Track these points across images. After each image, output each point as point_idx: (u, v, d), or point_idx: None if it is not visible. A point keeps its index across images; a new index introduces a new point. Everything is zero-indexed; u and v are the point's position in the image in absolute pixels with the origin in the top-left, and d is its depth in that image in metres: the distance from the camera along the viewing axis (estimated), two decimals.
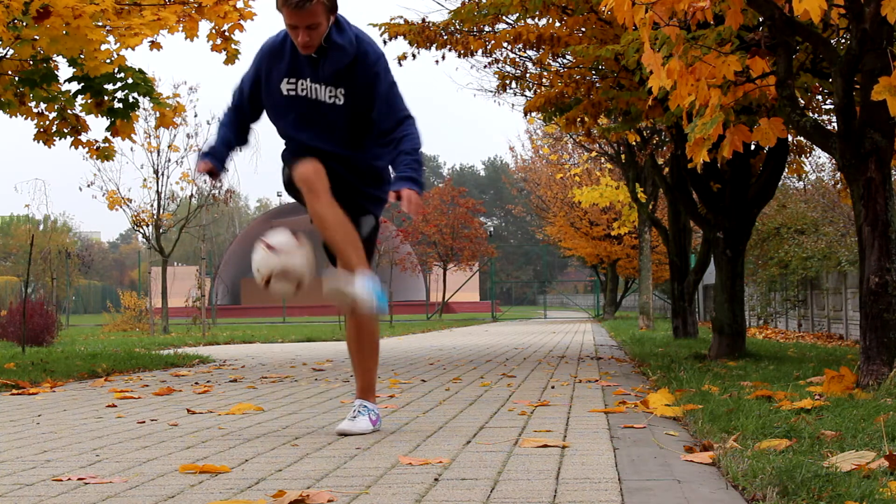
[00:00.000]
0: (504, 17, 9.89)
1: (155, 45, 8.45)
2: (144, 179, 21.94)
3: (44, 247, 28.32)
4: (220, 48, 8.86)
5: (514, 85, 11.16)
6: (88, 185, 22.04)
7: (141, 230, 22.17)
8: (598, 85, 9.00)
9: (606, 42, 8.27)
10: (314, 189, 4.15)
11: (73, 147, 9.78)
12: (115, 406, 5.78)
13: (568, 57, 10.46)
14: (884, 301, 5.46)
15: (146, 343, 15.45)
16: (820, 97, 9.57)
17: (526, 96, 13.95)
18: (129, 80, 9.25)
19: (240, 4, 8.56)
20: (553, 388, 6.46)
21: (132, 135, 9.64)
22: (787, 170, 10.03)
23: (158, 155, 21.88)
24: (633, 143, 15.33)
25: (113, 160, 10.24)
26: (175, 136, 22.45)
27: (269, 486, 3.08)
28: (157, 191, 21.89)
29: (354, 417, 4.30)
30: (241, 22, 8.65)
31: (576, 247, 34.74)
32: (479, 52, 9.87)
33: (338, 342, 15.94)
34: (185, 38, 8.47)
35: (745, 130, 5.40)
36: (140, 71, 9.31)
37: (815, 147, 10.03)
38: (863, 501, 2.64)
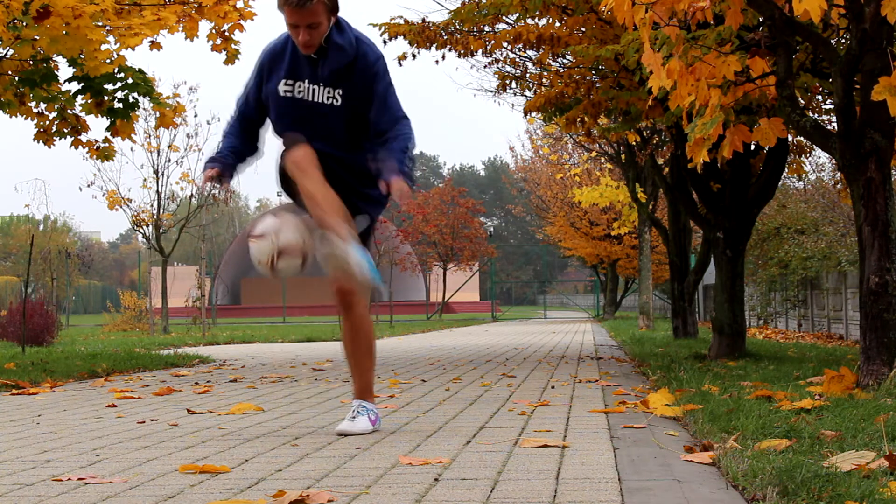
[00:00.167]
0: (504, 17, 9.89)
1: (155, 45, 8.45)
2: (144, 179, 21.96)
3: (44, 247, 28.32)
4: (220, 48, 8.86)
5: (514, 85, 11.16)
6: (88, 185, 22.06)
7: (141, 230, 22.18)
8: (598, 85, 9.00)
9: (606, 42, 8.27)
10: (303, 168, 4.16)
11: (73, 147, 9.78)
12: (115, 406, 5.78)
13: (568, 57, 10.46)
14: (884, 301, 5.46)
15: (146, 343, 15.45)
16: (820, 97, 9.57)
17: (526, 96, 13.95)
18: (129, 80, 9.25)
19: (240, 4, 8.56)
20: (553, 388, 6.46)
21: (132, 135, 9.64)
22: (787, 170, 10.03)
23: (158, 155, 21.90)
24: (633, 143, 15.33)
25: (113, 160, 10.25)
26: (175, 136, 22.49)
27: (269, 486, 3.08)
28: (157, 191, 21.90)
29: (354, 418, 4.30)
30: (241, 22, 8.65)
31: (576, 247, 34.74)
32: (479, 52, 9.87)
33: (338, 342, 15.91)
34: (185, 38, 8.47)
35: (745, 130, 5.40)
36: (140, 71, 9.31)
37: (815, 147, 10.03)
38: (863, 501, 2.64)
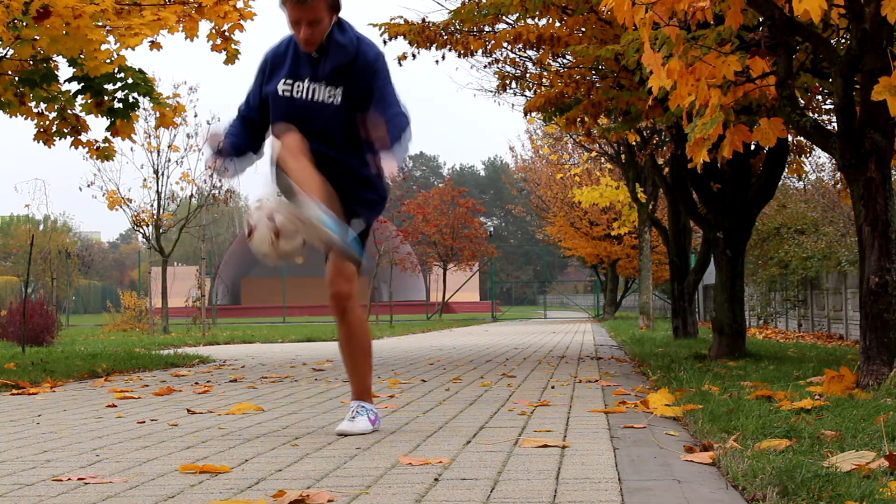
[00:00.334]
0: (504, 17, 9.89)
1: (155, 45, 8.45)
2: (144, 179, 21.96)
3: (44, 247, 28.31)
4: (220, 48, 8.86)
5: (514, 85, 11.16)
6: (88, 185, 22.06)
7: (141, 230, 22.18)
8: (598, 85, 9.00)
9: (606, 42, 8.27)
10: (292, 150, 4.16)
11: (73, 147, 9.78)
12: (115, 406, 5.78)
13: (568, 57, 10.46)
14: (884, 301, 5.46)
15: (146, 343, 15.45)
16: (820, 97, 9.57)
17: (526, 96, 13.94)
18: (129, 80, 9.25)
19: (240, 4, 8.56)
20: (553, 388, 6.46)
21: (132, 135, 9.64)
22: (787, 170, 10.03)
23: (158, 155, 21.90)
24: (633, 143, 15.33)
25: (113, 160, 10.25)
26: (175, 136, 22.51)
27: (269, 486, 3.08)
28: (157, 191, 21.90)
29: (353, 418, 4.30)
30: (241, 22, 8.65)
31: (576, 247, 34.74)
32: (479, 52, 9.87)
33: (338, 342, 15.91)
34: (185, 38, 8.47)
35: (745, 130, 5.40)
36: (140, 71, 9.31)
37: (815, 147, 10.03)
38: (863, 501, 2.64)
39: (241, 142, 4.42)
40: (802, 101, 7.96)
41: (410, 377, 7.81)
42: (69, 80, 9.21)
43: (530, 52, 11.33)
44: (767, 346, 11.33)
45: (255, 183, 4.32)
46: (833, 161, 10.24)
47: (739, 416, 4.20)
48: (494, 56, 11.07)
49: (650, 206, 17.65)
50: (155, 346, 14.17)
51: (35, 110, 9.52)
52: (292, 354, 12.16)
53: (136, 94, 9.39)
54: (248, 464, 3.51)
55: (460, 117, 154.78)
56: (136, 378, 8.15)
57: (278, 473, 3.30)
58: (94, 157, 10.06)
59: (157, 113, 10.25)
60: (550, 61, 11.44)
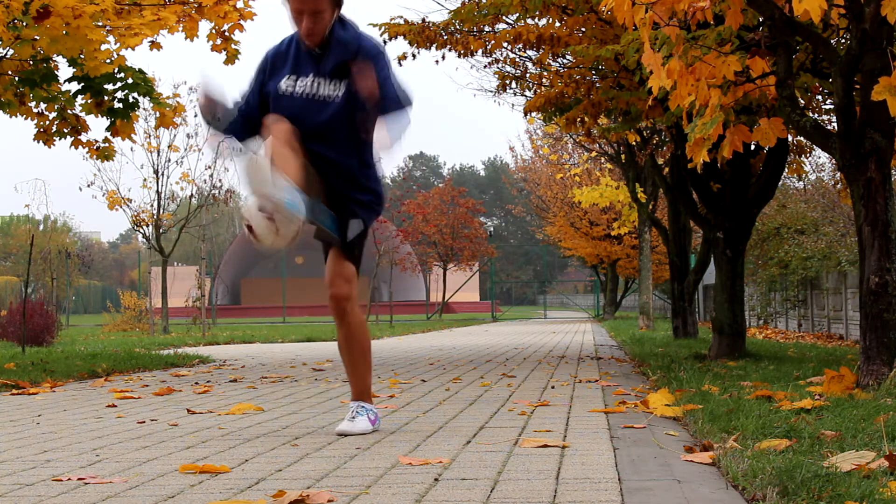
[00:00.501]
0: (504, 17, 9.89)
1: (155, 45, 8.45)
2: (144, 179, 21.96)
3: (44, 247, 28.31)
4: (220, 48, 8.86)
5: (514, 85, 11.16)
6: (88, 185, 22.06)
7: (141, 230, 22.18)
8: (598, 85, 9.00)
9: (606, 42, 8.27)
10: (277, 134, 4.16)
11: (73, 147, 9.78)
12: (115, 406, 5.78)
13: (568, 57, 10.46)
14: (884, 301, 5.46)
15: (146, 343, 15.45)
16: (820, 97, 9.57)
17: (526, 96, 13.95)
18: (129, 80, 9.25)
19: (240, 4, 8.56)
20: (553, 388, 6.46)
21: (132, 135, 9.64)
22: (787, 170, 10.03)
23: (158, 155, 21.90)
24: (633, 143, 15.33)
25: (113, 160, 10.25)
26: (175, 136, 22.53)
27: (269, 486, 3.08)
28: (157, 191, 21.90)
29: (353, 418, 4.30)
30: (241, 22, 8.65)
31: (576, 247, 34.75)
32: (479, 52, 9.87)
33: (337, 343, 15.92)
34: (185, 38, 8.47)
35: (745, 130, 5.40)
36: (140, 71, 9.31)
37: (815, 147, 10.03)
38: (863, 501, 2.64)
39: (243, 136, 4.42)
40: (802, 101, 7.96)
41: (410, 377, 7.81)
42: (69, 80, 9.21)
43: (530, 52, 11.34)
44: (767, 346, 11.33)
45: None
46: (833, 161, 10.24)
47: (739, 416, 4.20)
48: (494, 56, 11.07)
49: (650, 206, 17.65)
50: (155, 346, 14.17)
51: (35, 110, 9.52)
52: (292, 354, 12.16)
53: (136, 94, 9.39)
54: (248, 464, 3.51)
55: (460, 117, 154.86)
56: (136, 378, 8.15)
57: (278, 473, 3.30)
58: (94, 157, 10.06)
59: (157, 113, 10.25)
60: (550, 61, 11.44)
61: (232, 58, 8.96)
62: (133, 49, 7.98)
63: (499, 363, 9.60)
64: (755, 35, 6.48)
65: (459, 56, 9.91)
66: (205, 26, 8.65)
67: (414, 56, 10.10)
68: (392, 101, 4.21)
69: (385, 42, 9.83)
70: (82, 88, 9.23)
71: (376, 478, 3.17)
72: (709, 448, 3.60)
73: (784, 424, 3.93)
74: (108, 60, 8.18)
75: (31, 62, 8.83)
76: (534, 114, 9.91)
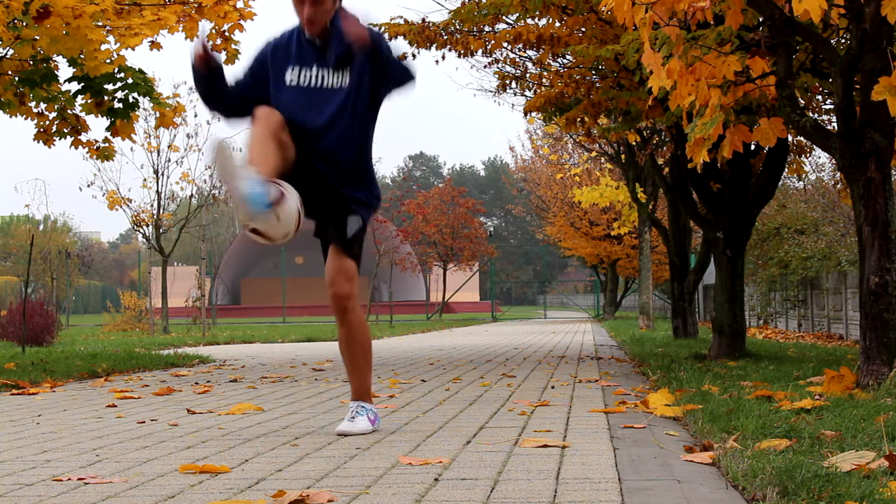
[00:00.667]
0: (504, 17, 9.89)
1: (155, 45, 8.45)
2: (144, 179, 21.96)
3: (44, 247, 28.32)
4: (220, 48, 8.86)
5: (514, 85, 11.15)
6: (88, 185, 22.07)
7: (141, 230, 22.18)
8: (598, 85, 9.00)
9: (606, 42, 8.27)
10: (264, 124, 4.16)
11: (73, 147, 9.78)
12: (115, 406, 5.78)
13: (568, 57, 10.46)
14: (884, 301, 5.46)
15: (146, 343, 15.45)
16: (820, 97, 9.57)
17: (526, 96, 13.95)
18: (129, 80, 9.25)
19: (240, 4, 8.57)
20: (553, 388, 6.46)
21: (132, 135, 9.63)
22: (787, 170, 10.03)
23: (158, 155, 21.90)
24: (633, 143, 15.33)
25: (113, 160, 10.25)
26: (175, 136, 22.51)
27: (269, 486, 3.08)
28: (157, 191, 21.90)
29: (353, 418, 4.30)
30: (241, 22, 8.65)
31: (576, 247, 34.74)
32: (479, 52, 9.86)
33: (338, 342, 15.92)
34: (185, 38, 8.46)
35: (745, 130, 5.40)
36: (140, 71, 9.31)
37: (815, 147, 10.03)
38: (863, 501, 2.64)
39: (228, 112, 4.44)
40: (802, 101, 7.96)
41: (410, 377, 7.81)
42: (69, 80, 9.21)
43: (530, 52, 11.33)
44: (767, 346, 11.32)
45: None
46: (833, 161, 10.24)
47: (739, 416, 4.20)
48: (494, 56, 11.07)
49: (650, 206, 17.65)
50: (155, 346, 14.17)
51: (35, 110, 9.52)
52: (292, 354, 12.16)
53: (136, 94, 9.39)
54: (248, 464, 3.51)
55: (460, 117, 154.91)
56: (136, 378, 8.15)
57: (278, 473, 3.30)
58: (94, 157, 10.06)
59: (157, 113, 10.25)
60: (550, 61, 11.44)
61: (232, 58, 8.96)
62: (133, 49, 7.98)
63: (499, 363, 9.60)
64: (755, 35, 6.48)
65: (459, 56, 9.91)
66: (205, 26, 8.65)
67: (414, 56, 10.09)
68: (403, 73, 4.31)
69: None
70: (82, 88, 9.23)
71: (376, 478, 3.17)
72: (709, 448, 3.60)
73: (784, 424, 3.93)
74: (108, 60, 8.18)
75: (31, 62, 8.83)
76: (534, 114, 9.91)
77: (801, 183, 22.18)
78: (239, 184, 3.89)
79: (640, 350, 10.63)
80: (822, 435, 3.66)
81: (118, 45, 8.03)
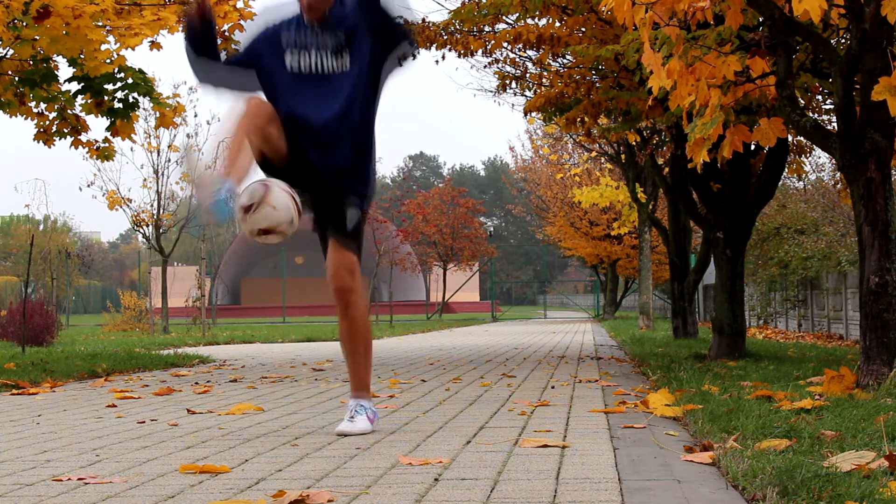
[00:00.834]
0: (504, 17, 9.89)
1: (155, 45, 8.45)
2: (144, 179, 21.97)
3: (44, 247, 28.32)
4: (220, 48, 8.84)
5: (514, 85, 11.16)
6: (88, 185, 22.08)
7: (141, 230, 22.19)
8: (598, 85, 9.00)
9: (606, 42, 8.27)
10: (247, 114, 4.16)
11: (73, 147, 9.78)
12: (115, 406, 5.78)
13: (568, 57, 10.46)
14: (884, 301, 5.46)
15: (146, 343, 15.45)
16: (820, 97, 9.57)
17: (526, 96, 13.95)
18: (129, 80, 9.25)
19: (240, 4, 8.56)
20: (553, 388, 6.46)
21: (132, 135, 9.64)
22: (787, 170, 10.03)
23: (158, 155, 21.92)
24: (633, 143, 15.33)
25: (113, 160, 10.25)
26: (175, 136, 22.46)
27: (269, 486, 3.08)
28: (157, 191, 21.91)
29: (353, 418, 4.30)
30: (241, 22, 8.64)
31: (576, 247, 34.74)
32: (479, 52, 9.87)
33: (338, 342, 15.93)
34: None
35: (745, 130, 5.40)
36: (140, 71, 9.31)
37: (815, 147, 10.03)
38: (863, 501, 2.64)
39: (215, 80, 4.44)
40: (802, 101, 7.96)
41: (410, 377, 7.81)
42: (69, 80, 9.21)
43: (530, 52, 11.34)
44: (767, 346, 11.32)
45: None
46: (833, 161, 10.24)
47: (739, 416, 4.20)
48: (494, 56, 11.08)
49: (650, 206, 17.65)
50: (155, 346, 14.16)
51: (35, 110, 9.52)
52: (292, 354, 12.16)
53: (136, 94, 9.39)
54: (248, 464, 3.51)
55: (460, 117, 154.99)
56: (136, 378, 8.15)
57: (278, 473, 3.30)
58: (94, 157, 10.06)
59: (157, 113, 10.25)
60: (550, 61, 11.44)
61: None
62: (133, 49, 7.98)
63: (499, 363, 9.60)
64: (755, 35, 6.48)
65: (459, 56, 9.92)
66: None
67: (414, 56, 10.09)
68: (403, 36, 4.44)
69: None
70: (82, 88, 9.23)
71: (376, 478, 3.17)
72: (709, 448, 3.60)
73: (784, 424, 3.93)
74: (108, 60, 8.18)
75: (31, 62, 8.83)
76: (534, 114, 9.91)
77: (801, 183, 22.20)
78: (204, 194, 3.92)
79: (640, 350, 10.63)
80: (822, 435, 3.66)
81: (118, 45, 8.02)
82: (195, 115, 35.47)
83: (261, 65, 4.39)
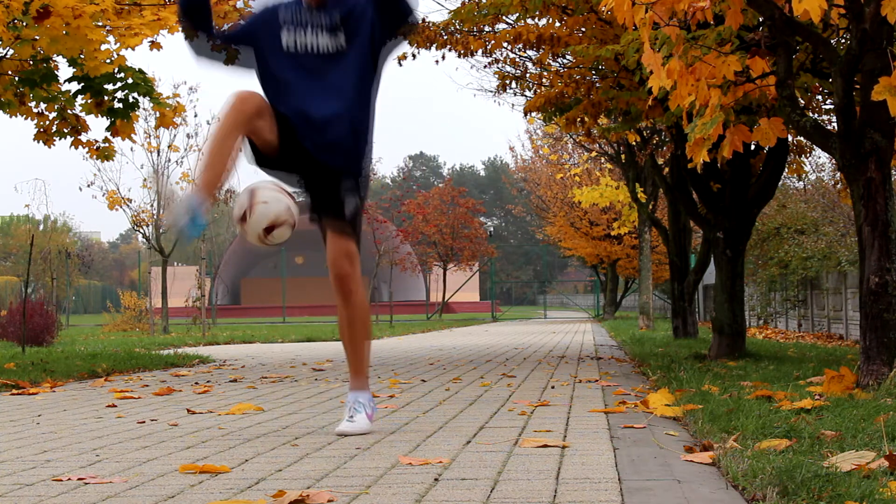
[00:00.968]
0: (504, 17, 9.89)
1: (155, 45, 8.45)
2: (144, 179, 21.97)
3: (44, 247, 28.32)
4: (220, 48, 8.84)
5: (514, 85, 11.16)
6: (88, 185, 22.09)
7: (141, 230, 22.20)
8: (598, 85, 9.00)
9: (606, 42, 8.27)
10: (234, 107, 4.16)
11: (73, 147, 9.78)
12: (115, 406, 5.78)
13: (568, 57, 10.46)
14: (884, 301, 5.46)
15: (146, 343, 15.45)
16: (820, 97, 9.57)
17: (526, 96, 13.95)
18: (129, 80, 9.25)
19: (240, 4, 8.56)
20: (553, 388, 6.46)
21: (132, 135, 9.64)
22: (787, 170, 10.03)
23: (158, 155, 21.92)
24: (633, 143, 15.33)
25: (113, 160, 10.25)
26: (175, 136, 22.55)
27: (269, 486, 3.08)
28: (157, 191, 21.90)
29: (352, 417, 4.30)
30: (241, 22, 8.64)
31: (576, 247, 34.75)
32: (479, 52, 9.87)
33: (338, 342, 15.93)
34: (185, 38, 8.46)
35: (745, 130, 5.40)
36: (140, 71, 9.31)
37: (815, 147, 10.03)
38: (863, 501, 2.64)
39: (207, 48, 4.46)
40: (802, 101, 7.96)
41: (410, 377, 7.81)
42: (69, 80, 9.21)
43: (530, 52, 11.34)
44: (767, 346, 11.32)
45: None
46: (833, 161, 10.24)
47: (739, 416, 4.20)
48: (494, 56, 11.08)
49: (650, 206, 17.65)
50: (155, 346, 14.17)
51: (35, 110, 9.52)
52: (292, 354, 12.16)
53: (136, 94, 9.39)
54: (248, 464, 3.51)
55: (460, 117, 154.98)
56: (136, 378, 8.15)
57: (278, 473, 3.30)
58: (94, 157, 10.06)
59: (157, 113, 10.24)
60: (550, 61, 11.44)
61: (232, 58, 8.92)
62: (133, 49, 7.98)
63: (499, 363, 9.60)
64: (755, 35, 6.48)
65: (459, 56, 9.92)
66: None
67: (414, 56, 10.11)
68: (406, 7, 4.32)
69: None
70: (82, 88, 9.23)
71: (376, 478, 3.17)
72: (709, 448, 3.60)
73: (784, 424, 3.93)
74: (108, 60, 8.18)
75: (31, 62, 8.83)
76: (534, 114, 9.92)
77: (801, 183, 22.20)
78: (176, 215, 3.95)
79: (640, 350, 10.63)
80: (822, 435, 3.66)
81: (118, 45, 8.03)
82: (195, 115, 35.45)
83: (258, 45, 4.42)
